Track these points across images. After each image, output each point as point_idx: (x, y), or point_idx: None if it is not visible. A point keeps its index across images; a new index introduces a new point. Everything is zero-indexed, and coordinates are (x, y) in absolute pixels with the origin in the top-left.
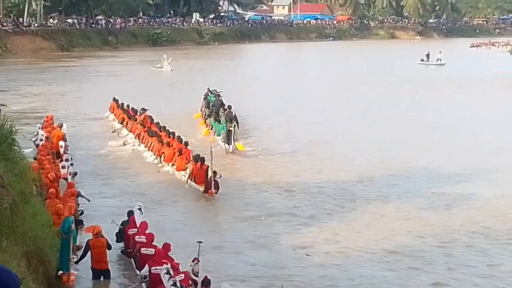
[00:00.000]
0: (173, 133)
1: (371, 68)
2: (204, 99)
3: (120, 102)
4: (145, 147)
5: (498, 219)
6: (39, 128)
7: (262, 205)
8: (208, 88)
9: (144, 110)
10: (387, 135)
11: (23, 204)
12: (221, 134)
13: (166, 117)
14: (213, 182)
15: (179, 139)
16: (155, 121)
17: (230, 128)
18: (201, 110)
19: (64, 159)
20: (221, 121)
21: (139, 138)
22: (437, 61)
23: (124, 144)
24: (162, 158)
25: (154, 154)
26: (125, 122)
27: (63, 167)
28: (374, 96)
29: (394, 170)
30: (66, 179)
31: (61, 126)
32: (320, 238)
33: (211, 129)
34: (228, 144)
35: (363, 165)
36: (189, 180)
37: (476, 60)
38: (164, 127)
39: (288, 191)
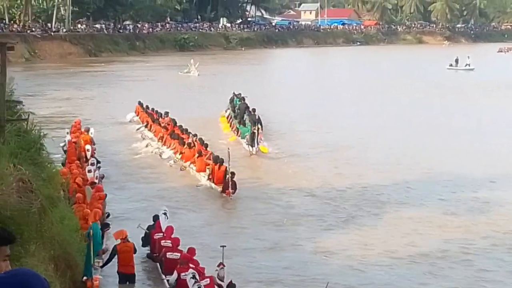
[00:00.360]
0: (195, 135)
1: (400, 73)
2: (230, 102)
3: (145, 105)
4: (167, 148)
5: None
6: (67, 133)
7: (284, 208)
8: (234, 92)
9: (167, 113)
10: (417, 140)
11: (51, 209)
12: (246, 137)
13: (193, 120)
14: (230, 183)
15: (201, 141)
16: (178, 124)
17: (254, 131)
18: (227, 114)
19: (90, 163)
20: (246, 124)
21: (162, 141)
22: (466, 66)
23: (147, 146)
24: (181, 158)
25: (176, 156)
26: (149, 125)
27: (89, 171)
28: (405, 101)
29: (421, 175)
30: (94, 183)
31: (88, 130)
32: (342, 242)
33: (237, 132)
34: (252, 146)
35: (391, 170)
36: (208, 181)
37: (505, 65)
38: (187, 130)
39: (311, 195)
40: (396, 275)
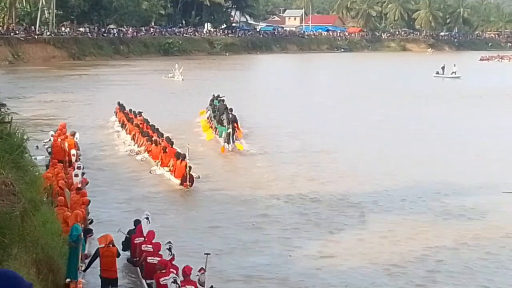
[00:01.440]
0: (162, 134)
1: (386, 81)
2: (210, 104)
3: (124, 106)
4: (138, 146)
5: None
6: (51, 135)
7: (256, 210)
8: (213, 94)
9: (140, 113)
10: (400, 146)
11: (34, 212)
12: (223, 135)
13: (175, 122)
14: (188, 176)
15: (167, 139)
16: (150, 124)
17: (229, 130)
18: (207, 114)
19: (76, 167)
20: (224, 123)
21: (134, 139)
22: (452, 74)
23: (129, 152)
24: (149, 155)
25: (145, 152)
26: (124, 125)
27: (76, 175)
28: (391, 109)
29: (401, 182)
30: (79, 188)
31: (73, 135)
32: (312, 244)
33: (215, 131)
34: (228, 144)
35: (369, 176)
36: (165, 172)
37: (490, 73)
38: (158, 129)
39: (282, 197)
40: (369, 278)
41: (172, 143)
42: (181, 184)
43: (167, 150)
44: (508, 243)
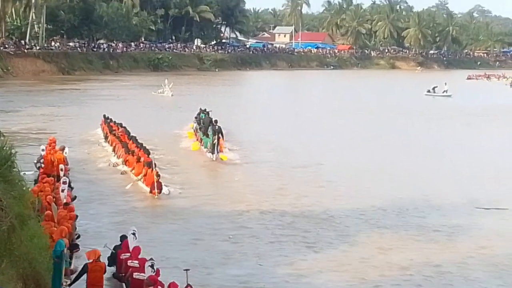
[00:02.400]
0: (141, 144)
1: (377, 98)
2: (196, 116)
3: (109, 119)
4: (117, 157)
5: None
6: (42, 150)
7: (236, 223)
8: (200, 108)
9: (120, 124)
10: (390, 163)
11: (21, 227)
12: (208, 145)
13: (161, 135)
14: (156, 184)
15: (145, 150)
16: (131, 135)
17: (215, 141)
18: (194, 127)
19: (62, 182)
20: (209, 135)
21: (114, 150)
22: (443, 92)
23: (108, 164)
24: (125, 165)
25: (122, 163)
26: (107, 136)
27: (63, 190)
28: (380, 126)
29: (387, 198)
30: (67, 203)
31: (63, 149)
32: (287, 256)
33: (201, 142)
34: (212, 154)
35: (347, 190)
36: (139, 182)
37: (480, 92)
38: (136, 140)
39: (263, 210)
40: None
41: (148, 153)
42: (150, 191)
43: (141, 160)
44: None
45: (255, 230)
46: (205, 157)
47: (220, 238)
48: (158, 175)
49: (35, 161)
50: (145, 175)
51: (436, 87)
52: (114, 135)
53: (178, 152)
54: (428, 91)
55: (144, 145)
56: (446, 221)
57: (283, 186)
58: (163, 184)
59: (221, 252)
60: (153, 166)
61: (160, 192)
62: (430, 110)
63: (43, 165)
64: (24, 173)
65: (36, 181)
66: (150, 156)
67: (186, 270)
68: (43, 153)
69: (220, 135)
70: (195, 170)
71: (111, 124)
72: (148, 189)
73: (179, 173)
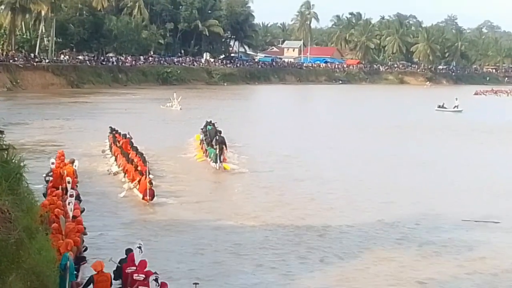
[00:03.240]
0: (141, 154)
1: (388, 113)
2: (202, 128)
3: (114, 130)
4: (118, 166)
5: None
6: (52, 163)
7: (235, 235)
8: (207, 120)
9: (125, 135)
10: (402, 178)
11: (29, 240)
12: (212, 155)
13: (168, 146)
14: (148, 191)
15: (143, 159)
16: (134, 145)
17: (217, 151)
18: (200, 138)
19: (69, 195)
20: (214, 145)
21: (116, 159)
22: (454, 108)
23: (108, 172)
24: (124, 172)
25: (124, 172)
26: (111, 147)
27: (70, 203)
28: (394, 141)
29: (398, 213)
30: (74, 216)
31: (72, 162)
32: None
33: (205, 152)
34: (216, 163)
35: (349, 205)
36: (134, 189)
37: (490, 107)
38: (137, 149)
39: (263, 223)
40: None
41: (145, 162)
42: (143, 198)
43: (138, 168)
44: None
45: (256, 241)
46: (209, 167)
47: (222, 250)
48: (150, 183)
49: (45, 175)
50: (139, 182)
51: (444, 103)
52: (117, 145)
53: (183, 163)
54: (439, 106)
55: (143, 154)
56: (460, 237)
57: (284, 198)
58: (155, 191)
59: (223, 264)
60: (147, 174)
61: (152, 199)
62: (441, 126)
63: (52, 178)
64: (33, 186)
65: (45, 194)
66: (146, 164)
67: (196, 284)
68: (53, 166)
69: (223, 145)
70: (198, 180)
71: (116, 135)
72: (140, 195)
73: (182, 183)
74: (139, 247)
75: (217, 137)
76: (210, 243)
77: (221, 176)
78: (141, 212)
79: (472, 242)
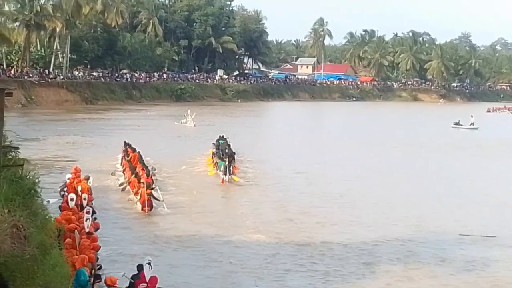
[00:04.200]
0: (146, 167)
1: (404, 131)
2: (214, 143)
3: (128, 144)
4: (125, 178)
5: None
6: (67, 178)
7: (240, 247)
8: (219, 135)
9: (134, 149)
10: (416, 195)
11: (43, 256)
12: (221, 168)
13: (180, 160)
14: (147, 203)
15: (147, 171)
16: (142, 159)
17: (226, 163)
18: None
19: (85, 211)
20: (223, 158)
21: (124, 172)
22: (470, 125)
23: (112, 174)
24: (129, 185)
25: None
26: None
27: (86, 219)
28: (412, 158)
29: (411, 230)
30: (90, 233)
31: (87, 179)
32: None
33: (216, 165)
34: (225, 175)
35: (353, 222)
36: (138, 203)
37: (504, 124)
38: (143, 162)
39: (268, 236)
40: None
41: (148, 174)
42: (142, 209)
43: (142, 181)
44: None
45: (261, 256)
46: (219, 181)
47: (229, 264)
48: (150, 194)
49: (59, 189)
50: (138, 193)
51: (460, 120)
52: (126, 159)
53: (194, 176)
54: (455, 123)
55: (148, 167)
56: (481, 254)
57: (289, 213)
58: (154, 202)
59: (230, 277)
60: (145, 185)
61: (150, 210)
62: (459, 143)
63: (66, 194)
64: (48, 201)
65: (60, 209)
66: (150, 177)
67: None
68: (68, 181)
69: (232, 158)
70: (207, 194)
71: (128, 149)
72: (140, 206)
73: (191, 197)
74: (149, 263)
75: (226, 150)
76: (217, 258)
77: (230, 190)
78: (152, 227)
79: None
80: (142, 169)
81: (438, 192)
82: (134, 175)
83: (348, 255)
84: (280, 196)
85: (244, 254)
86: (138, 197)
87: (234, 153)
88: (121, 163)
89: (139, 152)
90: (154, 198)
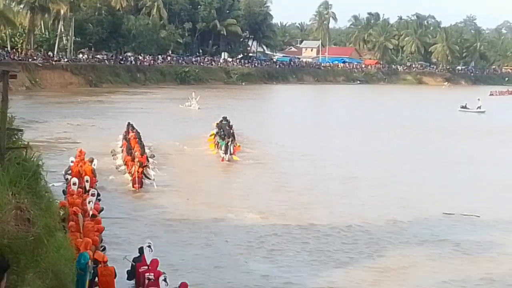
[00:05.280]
0: (143, 146)
1: (412, 114)
2: (218, 123)
3: (130, 125)
4: (122, 158)
5: None
6: (71, 162)
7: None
8: (222, 117)
9: (133, 129)
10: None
11: (48, 238)
12: (222, 147)
13: (184, 139)
14: (137, 180)
15: (142, 150)
16: (139, 137)
17: (228, 143)
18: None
19: (90, 193)
20: (224, 138)
21: (122, 152)
22: (477, 108)
23: (112, 154)
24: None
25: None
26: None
27: (90, 202)
28: (419, 142)
29: (413, 213)
30: (94, 215)
31: (92, 161)
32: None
33: (217, 144)
34: (225, 154)
35: (355, 204)
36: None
37: (510, 108)
38: (141, 141)
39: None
40: None
41: (143, 153)
42: (133, 186)
43: (136, 160)
44: None
45: (256, 234)
46: (219, 159)
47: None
48: (141, 172)
49: (64, 172)
50: (131, 172)
51: (467, 104)
52: (125, 139)
53: (194, 156)
54: (462, 107)
55: (144, 146)
56: (488, 239)
57: (289, 192)
58: (146, 180)
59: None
60: (136, 163)
61: (140, 187)
62: (468, 127)
63: (70, 177)
64: (53, 185)
65: (64, 192)
66: (145, 156)
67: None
68: (72, 164)
69: (233, 138)
70: (207, 174)
71: (130, 130)
72: (131, 183)
73: (191, 176)
74: (149, 246)
75: (230, 130)
76: (213, 237)
77: (230, 170)
78: (149, 206)
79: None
80: (138, 149)
81: (457, 178)
82: (129, 154)
83: (353, 235)
84: (280, 177)
85: (240, 234)
86: (131, 175)
87: (233, 133)
88: (121, 144)
89: (137, 132)
90: (146, 176)
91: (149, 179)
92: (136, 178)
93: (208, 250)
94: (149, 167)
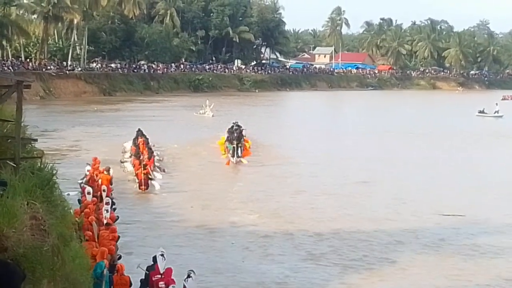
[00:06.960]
0: (152, 150)
1: (430, 119)
2: (229, 129)
3: (140, 132)
4: (131, 162)
5: None
6: (87, 170)
7: (238, 230)
8: (233, 122)
9: (142, 135)
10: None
11: (63, 247)
12: (231, 151)
13: (196, 143)
14: (143, 182)
15: (150, 154)
16: (148, 142)
17: (234, 146)
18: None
19: (105, 202)
20: (233, 142)
21: (131, 157)
22: (495, 113)
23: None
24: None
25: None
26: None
27: (106, 210)
28: (443, 147)
29: (429, 219)
30: (108, 224)
31: (108, 170)
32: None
33: (227, 149)
34: (233, 157)
35: (368, 211)
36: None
37: None
38: (149, 146)
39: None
40: None
41: (150, 157)
42: (139, 187)
43: (143, 163)
44: None
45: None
46: (227, 166)
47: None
48: (146, 174)
49: (79, 181)
50: (137, 174)
51: (485, 109)
52: (135, 144)
53: (202, 160)
54: (480, 111)
55: (152, 150)
56: (502, 243)
57: (294, 196)
58: (151, 181)
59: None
60: (142, 166)
61: (146, 188)
62: (488, 132)
63: (86, 186)
64: (68, 194)
65: (80, 201)
66: (152, 159)
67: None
68: (87, 173)
69: (240, 142)
70: (215, 178)
71: (139, 136)
72: (137, 185)
73: (200, 180)
74: (162, 255)
75: (235, 134)
76: (218, 239)
77: (238, 173)
78: (155, 208)
79: None
80: (146, 153)
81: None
82: (137, 158)
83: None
84: (291, 181)
85: (245, 236)
86: (137, 177)
87: (243, 137)
88: (130, 149)
89: (146, 138)
90: (149, 178)
91: (152, 180)
92: (142, 180)
93: (212, 251)
94: (157, 170)
